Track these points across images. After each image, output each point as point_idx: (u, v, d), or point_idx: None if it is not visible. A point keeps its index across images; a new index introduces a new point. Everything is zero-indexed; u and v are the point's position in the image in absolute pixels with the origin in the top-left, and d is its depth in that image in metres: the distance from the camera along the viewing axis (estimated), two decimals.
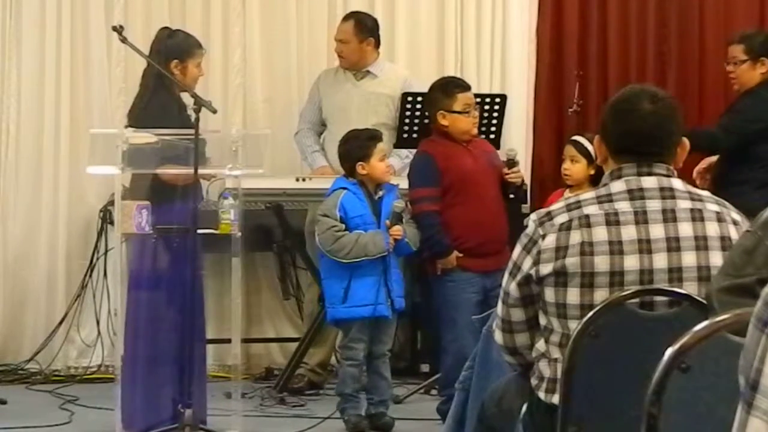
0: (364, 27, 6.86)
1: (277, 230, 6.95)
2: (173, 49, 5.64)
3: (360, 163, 5.74)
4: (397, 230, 5.68)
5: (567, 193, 5.89)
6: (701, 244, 3.13)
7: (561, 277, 3.11)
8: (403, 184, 6.20)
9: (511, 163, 6.04)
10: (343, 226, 5.68)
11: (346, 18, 6.94)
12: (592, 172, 5.88)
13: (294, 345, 6.91)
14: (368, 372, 5.88)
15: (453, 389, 5.81)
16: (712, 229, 3.16)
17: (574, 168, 6.03)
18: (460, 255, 5.85)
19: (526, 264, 3.18)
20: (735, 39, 6.51)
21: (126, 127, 5.57)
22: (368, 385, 5.86)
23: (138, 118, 5.55)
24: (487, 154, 6.07)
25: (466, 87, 6.05)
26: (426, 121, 6.62)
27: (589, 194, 3.22)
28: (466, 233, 5.86)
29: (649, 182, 3.17)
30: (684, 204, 3.17)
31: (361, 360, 5.78)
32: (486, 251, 5.83)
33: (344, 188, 5.75)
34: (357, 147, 5.80)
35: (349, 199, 5.73)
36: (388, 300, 5.71)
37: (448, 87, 6.07)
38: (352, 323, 5.75)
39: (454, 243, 5.87)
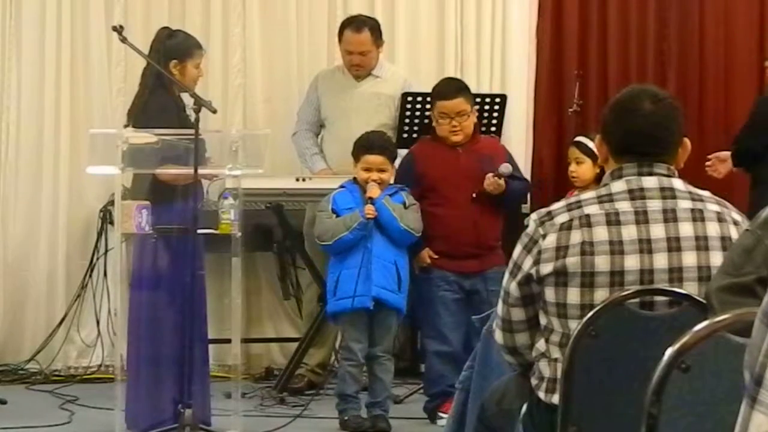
0: (378, 33, 6.82)
1: (277, 230, 6.94)
2: (172, 49, 5.63)
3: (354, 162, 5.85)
4: (369, 208, 5.66)
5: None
6: (702, 244, 3.13)
7: (561, 277, 3.11)
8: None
9: (498, 175, 5.86)
10: (335, 215, 5.73)
11: (359, 29, 6.73)
12: (598, 170, 5.87)
13: (294, 345, 6.91)
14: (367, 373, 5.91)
15: (436, 387, 5.87)
16: (712, 229, 3.15)
17: (580, 169, 6.03)
18: (435, 256, 5.88)
19: (527, 263, 3.18)
20: None
21: (126, 126, 5.57)
22: (368, 386, 5.88)
23: (137, 117, 5.55)
24: (482, 157, 5.92)
25: (447, 94, 5.94)
26: (426, 121, 6.63)
27: (589, 194, 3.23)
28: (439, 235, 5.89)
29: (649, 182, 3.17)
30: (684, 204, 3.17)
31: (359, 360, 5.78)
32: (460, 254, 5.83)
33: (343, 187, 5.83)
34: (353, 149, 5.88)
35: (342, 195, 5.80)
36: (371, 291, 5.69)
37: (434, 91, 6.09)
38: (342, 317, 5.77)
39: (429, 244, 5.89)
